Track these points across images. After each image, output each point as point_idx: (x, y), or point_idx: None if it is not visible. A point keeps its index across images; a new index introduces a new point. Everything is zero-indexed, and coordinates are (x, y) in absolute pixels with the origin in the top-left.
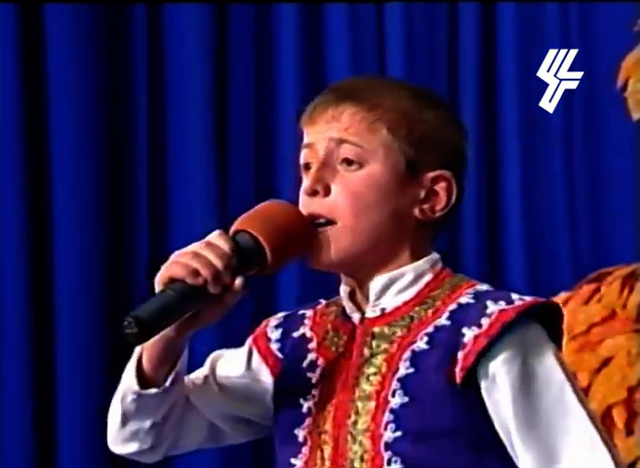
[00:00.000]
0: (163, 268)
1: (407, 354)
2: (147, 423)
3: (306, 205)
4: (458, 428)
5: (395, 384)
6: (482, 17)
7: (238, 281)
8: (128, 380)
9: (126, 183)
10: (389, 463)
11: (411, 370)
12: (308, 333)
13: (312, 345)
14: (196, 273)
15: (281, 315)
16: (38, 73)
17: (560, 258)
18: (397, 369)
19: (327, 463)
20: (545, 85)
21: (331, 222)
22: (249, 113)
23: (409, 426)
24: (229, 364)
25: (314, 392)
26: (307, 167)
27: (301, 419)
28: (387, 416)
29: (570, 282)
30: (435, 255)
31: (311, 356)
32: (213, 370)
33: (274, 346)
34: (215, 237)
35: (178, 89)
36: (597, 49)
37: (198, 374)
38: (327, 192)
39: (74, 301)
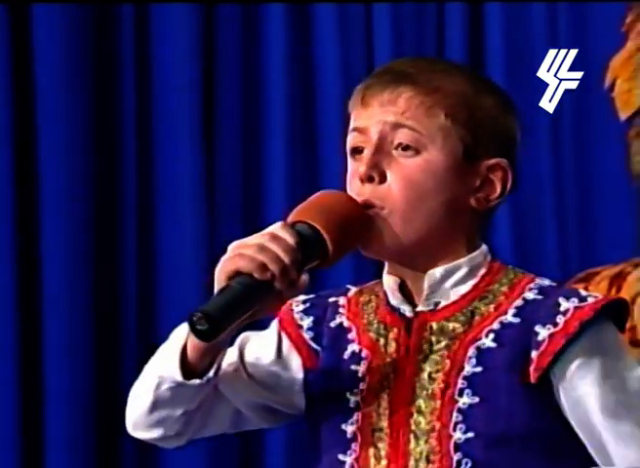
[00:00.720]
0: (226, 260)
1: (472, 351)
2: (179, 411)
3: (359, 191)
4: (532, 431)
5: (462, 383)
6: (470, 17)
7: (304, 276)
8: (168, 369)
9: (114, 182)
10: (459, 465)
11: (478, 369)
12: (346, 323)
13: (352, 335)
14: (264, 267)
15: (304, 299)
16: (26, 73)
17: (548, 259)
18: (462, 366)
19: (383, 462)
20: (533, 85)
21: (384, 209)
22: (237, 113)
23: (480, 427)
24: (259, 349)
25: (362, 386)
26: (357, 151)
27: (349, 414)
28: (455, 416)
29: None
30: (485, 247)
31: (353, 347)
32: (241, 356)
33: (307, 335)
34: (279, 229)
35: (165, 88)
36: (586, 49)
37: (227, 361)
38: (382, 179)
39: (62, 300)
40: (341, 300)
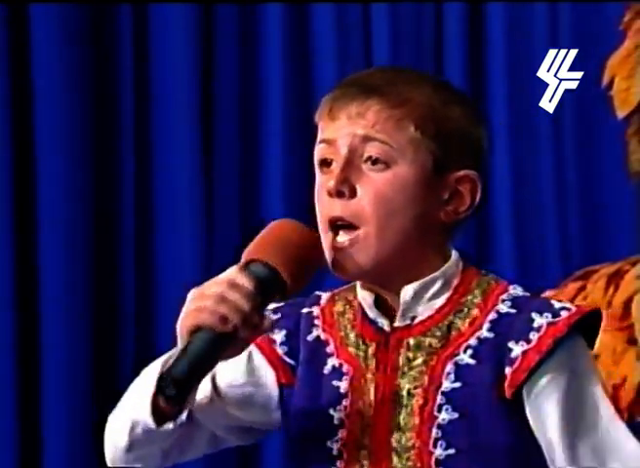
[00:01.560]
0: (187, 315)
1: (450, 367)
2: (156, 449)
3: (328, 206)
4: (512, 446)
5: (440, 399)
6: (469, 17)
7: (267, 322)
8: (140, 413)
9: (112, 184)
10: None
11: (457, 385)
12: (323, 336)
13: (330, 349)
14: (225, 320)
15: (274, 308)
16: (24, 73)
17: (550, 257)
18: (440, 382)
19: None
20: (533, 85)
21: (354, 227)
22: (235, 113)
23: (460, 443)
24: (230, 371)
25: (345, 402)
26: (325, 163)
27: (334, 431)
28: (435, 433)
29: (560, 281)
30: (456, 255)
31: (332, 361)
32: (214, 384)
33: (281, 350)
34: (236, 274)
35: (163, 89)
36: (587, 49)
37: (201, 390)
38: (352, 194)
39: (60, 304)
40: (315, 311)
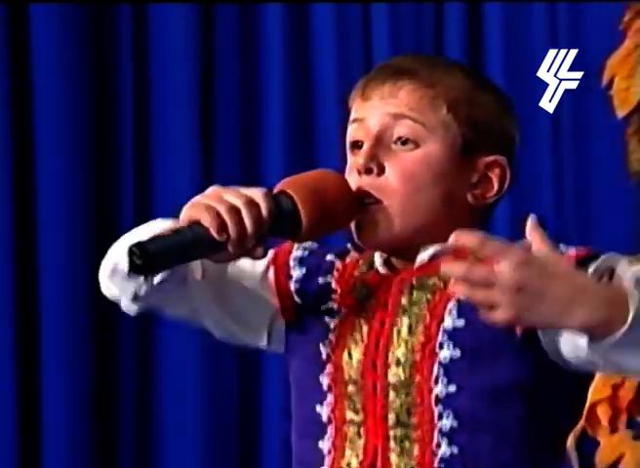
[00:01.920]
0: (195, 205)
1: (451, 304)
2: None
3: (356, 183)
4: (518, 384)
5: (442, 335)
6: (468, 17)
7: (260, 250)
8: (120, 259)
9: (111, 184)
10: (440, 417)
11: (460, 322)
12: (333, 284)
13: (335, 296)
14: (224, 228)
15: (306, 247)
16: (23, 73)
17: None
18: (442, 319)
19: (361, 414)
20: (532, 84)
21: (380, 202)
22: (234, 113)
23: (462, 380)
24: (246, 264)
25: (331, 337)
26: (357, 145)
27: (322, 366)
28: (436, 370)
29: None
30: None
31: (332, 304)
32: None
33: (293, 286)
34: (259, 196)
35: (163, 89)
36: (585, 49)
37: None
38: (380, 171)
39: (60, 302)
40: (338, 263)
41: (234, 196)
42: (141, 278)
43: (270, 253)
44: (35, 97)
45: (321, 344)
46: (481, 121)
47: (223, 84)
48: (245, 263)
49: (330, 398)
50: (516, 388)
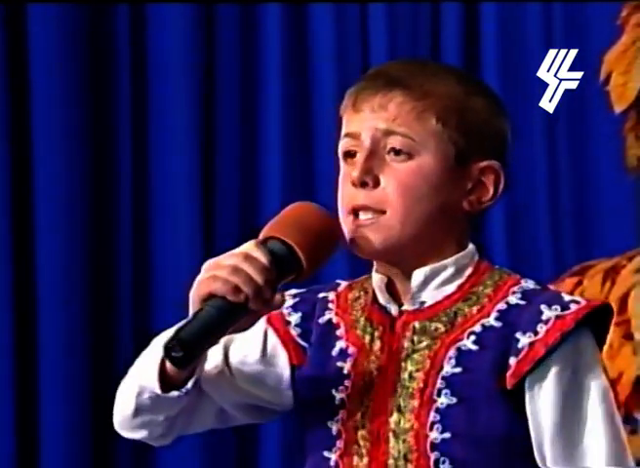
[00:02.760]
0: (200, 283)
1: (452, 352)
2: (161, 417)
3: (352, 196)
4: (508, 436)
5: (440, 383)
6: (465, 16)
7: (279, 296)
8: (147, 379)
9: (110, 184)
10: (437, 464)
11: (458, 370)
12: (335, 319)
13: (340, 332)
14: (238, 290)
15: (294, 293)
16: (21, 73)
17: (542, 256)
18: (441, 366)
19: (365, 460)
20: (528, 83)
21: (379, 212)
22: (234, 113)
23: (457, 428)
24: (243, 347)
25: (347, 383)
26: (350, 154)
27: (335, 411)
28: (433, 416)
29: (551, 277)
30: (472, 247)
31: (340, 344)
32: (226, 357)
33: (294, 331)
34: (252, 248)
35: (162, 89)
36: (581, 48)
37: (212, 362)
38: (376, 184)
39: (57, 300)
40: (331, 296)
41: (230, 259)
42: (174, 393)
43: (261, 320)
44: (33, 98)
45: (334, 390)
46: (473, 127)
47: (223, 83)
48: (244, 351)
49: (339, 443)
50: (510, 439)
